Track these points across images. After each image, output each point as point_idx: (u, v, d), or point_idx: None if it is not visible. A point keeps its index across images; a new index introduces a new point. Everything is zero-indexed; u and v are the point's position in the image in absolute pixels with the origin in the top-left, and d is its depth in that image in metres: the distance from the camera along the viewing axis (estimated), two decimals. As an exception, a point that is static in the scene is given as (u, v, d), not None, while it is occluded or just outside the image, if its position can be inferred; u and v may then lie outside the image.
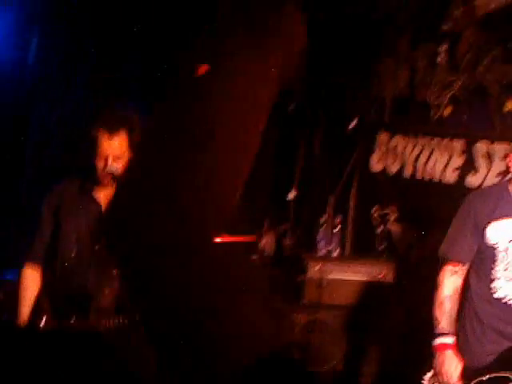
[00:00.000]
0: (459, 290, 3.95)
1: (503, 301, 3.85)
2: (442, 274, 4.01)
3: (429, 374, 4.01)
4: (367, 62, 7.01)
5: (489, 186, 4.02)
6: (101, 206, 4.19)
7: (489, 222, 3.88)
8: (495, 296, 3.87)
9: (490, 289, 3.88)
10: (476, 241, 3.92)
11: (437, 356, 3.89)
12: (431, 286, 6.08)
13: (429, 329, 5.74)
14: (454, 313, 3.91)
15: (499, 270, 3.86)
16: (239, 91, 3.46)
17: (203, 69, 6.62)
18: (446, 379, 3.86)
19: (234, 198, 3.38)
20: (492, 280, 3.88)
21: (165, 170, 3.51)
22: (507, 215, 3.87)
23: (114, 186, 4.01)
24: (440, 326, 3.92)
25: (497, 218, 3.87)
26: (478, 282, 3.93)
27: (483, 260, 3.90)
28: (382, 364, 5.66)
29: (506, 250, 3.84)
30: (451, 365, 3.84)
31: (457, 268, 3.96)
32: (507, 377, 3.83)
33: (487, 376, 3.83)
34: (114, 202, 4.03)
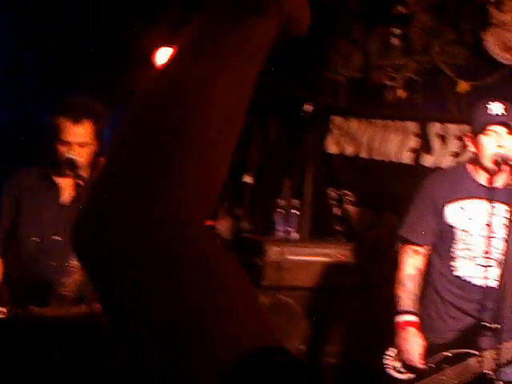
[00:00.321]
0: (421, 270, 4.00)
1: (463, 279, 3.92)
2: (402, 254, 4.06)
3: (391, 350, 4.07)
4: (319, 47, 7.04)
5: (447, 168, 4.06)
6: (61, 194, 4.16)
7: (448, 202, 3.93)
8: (455, 274, 3.94)
9: (451, 267, 3.95)
10: (436, 222, 3.97)
11: (400, 333, 3.94)
12: (388, 266, 6.18)
13: (388, 307, 5.84)
14: (416, 291, 3.96)
15: (459, 250, 3.93)
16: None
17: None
18: (408, 356, 3.92)
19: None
20: (452, 258, 3.94)
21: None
22: (466, 196, 3.93)
23: (77, 174, 3.97)
24: (402, 304, 3.96)
25: (456, 199, 3.93)
26: (439, 261, 4.00)
27: (443, 239, 3.96)
28: (344, 343, 5.73)
29: (466, 229, 3.91)
30: (414, 342, 3.90)
31: (420, 249, 4.01)
32: (468, 352, 3.92)
33: (449, 352, 3.92)
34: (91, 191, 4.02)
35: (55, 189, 4.16)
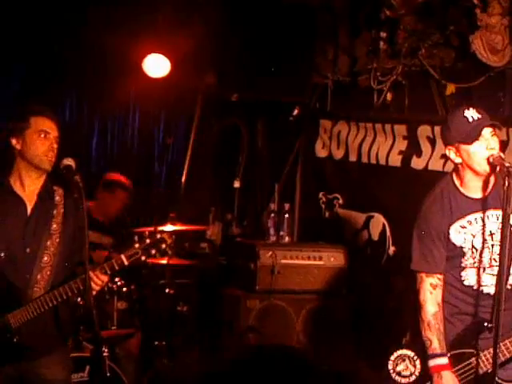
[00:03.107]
0: (441, 302, 4.02)
1: (474, 288, 3.98)
2: (423, 291, 4.05)
3: (395, 354, 4.10)
4: (306, 51, 7.09)
5: (437, 187, 4.04)
6: (27, 205, 4.10)
7: (449, 226, 3.96)
8: (465, 284, 3.99)
9: (461, 277, 3.99)
10: (444, 247, 4.00)
11: (434, 377, 3.97)
12: (378, 269, 6.23)
13: (381, 308, 5.89)
14: (442, 328, 3.98)
15: (468, 263, 3.98)
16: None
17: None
18: None
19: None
20: (462, 269, 3.99)
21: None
22: (463, 213, 3.96)
23: (74, 180, 3.97)
24: (432, 347, 3.97)
25: (456, 220, 3.96)
26: (448, 273, 4.03)
27: (453, 256, 4.00)
28: (337, 345, 5.76)
29: (472, 246, 3.95)
30: None
31: (436, 280, 4.02)
32: (463, 352, 3.97)
33: (448, 354, 3.97)
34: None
35: (20, 202, 4.09)
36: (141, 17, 7.08)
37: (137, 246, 4.04)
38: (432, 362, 3.96)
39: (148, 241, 4.05)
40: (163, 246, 4.08)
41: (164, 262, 6.16)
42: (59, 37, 7.11)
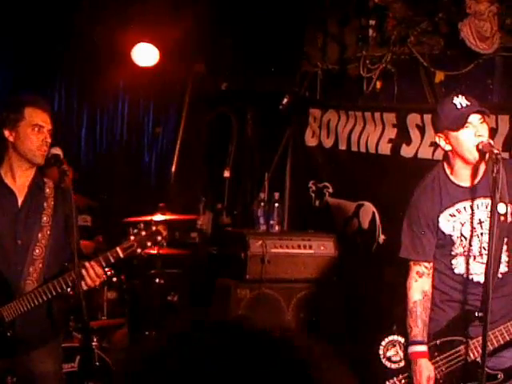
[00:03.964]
0: (429, 291, 4.03)
1: (464, 276, 3.99)
2: (409, 279, 4.07)
3: (386, 340, 4.13)
4: (295, 39, 7.08)
5: (429, 175, 4.05)
6: (17, 196, 4.08)
7: (439, 214, 3.97)
8: (456, 272, 4.00)
9: (452, 265, 4.00)
10: (433, 236, 4.01)
11: (412, 363, 4.01)
12: (368, 257, 6.24)
13: (372, 296, 5.89)
14: (425, 317, 4.00)
15: (457, 251, 3.99)
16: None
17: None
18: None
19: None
20: (453, 257, 4.00)
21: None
22: (452, 202, 3.97)
23: (61, 169, 3.95)
24: (413, 334, 4.01)
25: (445, 209, 3.97)
26: (439, 261, 4.04)
27: (442, 245, 4.01)
28: (328, 335, 5.76)
29: (461, 234, 3.96)
30: (423, 374, 3.96)
31: (423, 268, 4.04)
32: (453, 339, 3.98)
33: (440, 339, 3.99)
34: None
35: (11, 193, 4.06)
36: (129, 6, 7.06)
37: (132, 238, 4.01)
38: (411, 349, 4.00)
39: (143, 233, 4.02)
40: (159, 238, 4.06)
41: (154, 251, 6.15)
42: (48, 27, 7.08)
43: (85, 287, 3.94)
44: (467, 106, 3.82)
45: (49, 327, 4.14)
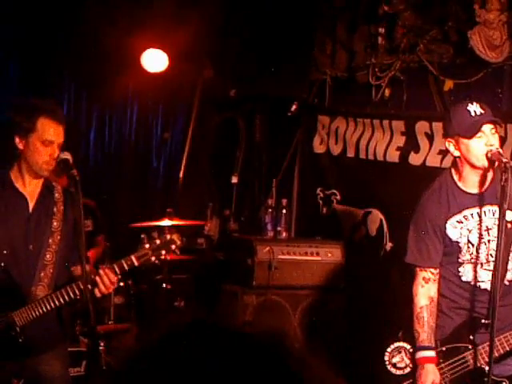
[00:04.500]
0: (435, 296, 4.02)
1: (471, 284, 3.98)
2: (415, 284, 4.07)
3: (392, 347, 4.13)
4: (305, 46, 7.08)
5: (436, 181, 4.04)
6: (28, 201, 4.07)
7: (446, 221, 3.96)
8: (463, 279, 3.99)
9: (459, 272, 4.00)
10: (440, 242, 4.00)
11: (418, 368, 4.00)
12: (376, 265, 6.23)
13: (379, 303, 5.88)
14: (432, 322, 4.00)
15: (465, 258, 3.98)
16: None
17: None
18: None
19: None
20: (460, 265, 3.99)
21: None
22: (459, 208, 3.96)
23: (70, 174, 3.94)
24: (420, 339, 4.00)
25: (452, 215, 3.96)
26: (446, 268, 4.03)
27: (449, 253, 4.00)
28: (334, 342, 5.76)
29: (468, 241, 3.96)
30: (428, 378, 3.95)
31: (429, 274, 4.03)
32: (459, 347, 3.98)
33: (445, 346, 3.99)
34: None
35: (22, 198, 4.04)
36: (139, 11, 7.08)
37: (147, 246, 3.99)
38: (418, 354, 4.00)
39: (158, 242, 4.00)
40: (173, 246, 4.03)
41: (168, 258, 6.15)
42: (58, 31, 7.11)
43: (98, 294, 3.94)
44: (481, 114, 3.82)
45: (57, 331, 4.15)
